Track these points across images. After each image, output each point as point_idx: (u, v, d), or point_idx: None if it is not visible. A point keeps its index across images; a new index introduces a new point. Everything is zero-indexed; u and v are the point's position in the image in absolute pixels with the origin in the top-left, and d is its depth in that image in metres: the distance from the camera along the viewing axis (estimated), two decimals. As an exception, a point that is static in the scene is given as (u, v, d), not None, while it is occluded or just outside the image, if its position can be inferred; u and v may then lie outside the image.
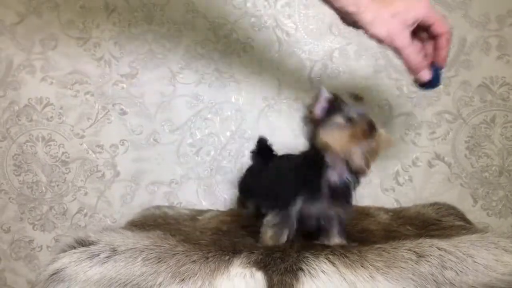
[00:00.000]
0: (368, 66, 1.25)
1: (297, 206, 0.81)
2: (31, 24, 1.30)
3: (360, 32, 1.22)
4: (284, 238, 0.83)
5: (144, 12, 1.27)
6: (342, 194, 0.82)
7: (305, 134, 0.83)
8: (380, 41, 0.76)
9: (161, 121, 1.30)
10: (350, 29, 1.23)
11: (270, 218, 0.83)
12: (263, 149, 1.04)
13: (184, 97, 1.29)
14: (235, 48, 1.27)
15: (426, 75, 0.79)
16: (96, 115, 1.31)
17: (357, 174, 0.81)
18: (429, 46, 0.81)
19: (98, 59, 1.29)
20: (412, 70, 0.79)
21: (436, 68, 0.80)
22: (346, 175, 0.80)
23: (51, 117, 1.31)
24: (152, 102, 1.30)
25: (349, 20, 0.79)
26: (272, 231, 0.83)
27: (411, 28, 0.76)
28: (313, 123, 0.80)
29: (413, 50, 0.77)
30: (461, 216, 1.02)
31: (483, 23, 1.22)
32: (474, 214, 1.25)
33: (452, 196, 1.26)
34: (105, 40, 1.29)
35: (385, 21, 0.74)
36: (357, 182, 0.82)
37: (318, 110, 0.79)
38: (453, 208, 1.06)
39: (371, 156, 0.79)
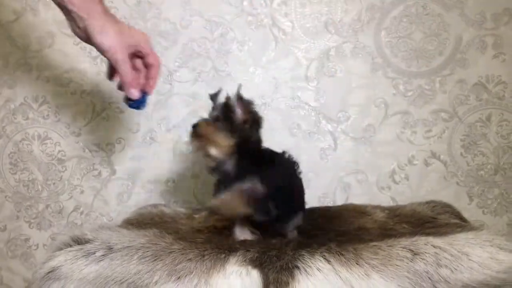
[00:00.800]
0: (364, 65, 1.26)
1: None
2: (27, 22, 1.29)
3: (357, 31, 1.24)
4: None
5: (141, 10, 1.27)
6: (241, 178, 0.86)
7: None
8: (102, 50, 0.84)
9: (157, 119, 1.30)
10: (347, 27, 1.24)
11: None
12: None
13: (181, 96, 1.29)
14: (232, 47, 1.27)
15: (135, 94, 0.89)
16: (92, 114, 1.31)
17: None
18: (142, 75, 0.92)
19: (95, 57, 1.29)
20: (125, 85, 0.88)
21: (144, 93, 0.92)
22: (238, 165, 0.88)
23: (47, 115, 1.31)
24: (149, 100, 1.29)
25: (77, 28, 0.85)
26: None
27: (130, 50, 0.86)
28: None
29: (129, 68, 0.86)
30: (457, 214, 1.02)
31: (479, 21, 1.22)
32: (470, 212, 1.25)
33: (448, 194, 1.26)
34: (101, 38, 1.28)
35: (110, 35, 0.83)
36: None
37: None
38: (448, 206, 1.06)
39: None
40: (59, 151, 1.32)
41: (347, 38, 1.26)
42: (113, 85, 1.28)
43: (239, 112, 0.87)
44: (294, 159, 0.93)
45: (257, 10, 1.26)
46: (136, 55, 0.90)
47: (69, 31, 1.26)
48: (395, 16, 1.24)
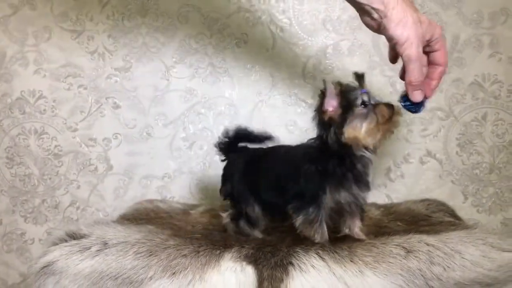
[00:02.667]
0: (361, 63, 1.26)
1: (326, 198, 0.80)
2: (24, 16, 1.29)
3: (355, 28, 1.24)
4: (325, 231, 0.81)
5: (138, 6, 1.27)
6: (364, 179, 0.82)
7: (321, 132, 0.83)
8: (395, 43, 0.74)
9: (154, 115, 1.30)
10: (344, 25, 1.24)
11: (303, 217, 0.80)
12: (241, 139, 0.98)
13: (178, 92, 1.29)
14: (229, 43, 1.27)
15: (419, 95, 0.77)
16: (89, 109, 1.31)
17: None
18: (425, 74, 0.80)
19: (92, 52, 1.29)
20: (410, 85, 0.77)
21: (424, 98, 0.80)
22: (367, 160, 0.81)
23: (44, 110, 1.31)
24: (146, 96, 1.29)
25: (370, 19, 0.76)
26: (312, 229, 0.80)
27: (424, 44, 0.75)
28: (330, 121, 0.80)
29: (420, 65, 0.75)
30: (451, 212, 1.03)
31: (476, 21, 1.22)
32: (465, 210, 1.26)
33: (443, 192, 1.27)
34: (98, 33, 1.28)
35: (408, 25, 0.72)
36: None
37: (330, 106, 0.80)
38: (443, 204, 1.07)
39: (389, 135, 0.82)
40: (56, 146, 1.32)
41: (344, 36, 1.26)
42: (110, 80, 1.29)
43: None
44: None
45: (254, 6, 1.26)
46: (423, 51, 0.77)
47: (66, 25, 1.28)
48: (392, 14, 1.24)
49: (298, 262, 0.72)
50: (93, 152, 1.32)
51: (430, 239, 0.74)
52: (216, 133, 1.29)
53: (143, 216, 1.04)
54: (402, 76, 0.79)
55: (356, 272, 0.70)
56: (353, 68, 1.24)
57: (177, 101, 1.29)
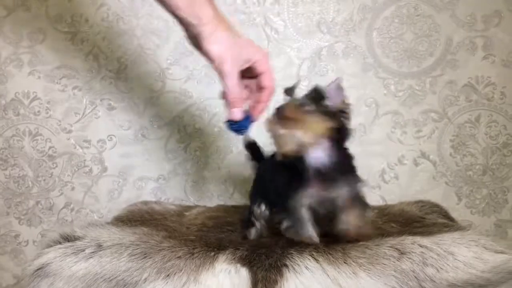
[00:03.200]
0: (356, 65, 1.26)
1: (301, 202, 0.78)
2: (18, 17, 1.29)
3: (349, 31, 1.24)
4: (311, 233, 0.79)
5: (133, 7, 1.27)
6: (340, 169, 0.79)
7: None
8: (211, 59, 0.75)
9: (149, 116, 1.30)
10: (339, 27, 1.25)
11: (285, 225, 0.80)
12: (255, 152, 0.97)
13: (173, 93, 1.29)
14: (224, 45, 1.27)
15: (238, 114, 0.78)
16: (83, 110, 1.31)
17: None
18: (253, 97, 0.81)
19: (86, 53, 1.29)
20: (228, 102, 0.78)
21: (248, 117, 0.80)
22: (331, 152, 0.78)
23: (38, 111, 1.31)
24: (141, 98, 1.29)
25: (190, 33, 0.77)
26: (298, 234, 0.79)
27: (242, 65, 0.76)
28: None
29: (236, 83, 0.76)
30: (445, 214, 1.03)
31: (469, 23, 1.23)
32: (458, 212, 1.27)
33: (437, 194, 1.27)
34: (93, 34, 1.28)
35: (222, 42, 0.74)
36: None
37: None
38: (436, 205, 1.08)
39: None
40: (50, 148, 1.32)
41: (339, 38, 1.26)
42: (104, 81, 1.29)
43: (336, 99, 0.77)
44: None
45: (249, 8, 1.26)
46: (248, 74, 0.80)
47: (61, 27, 1.28)
48: (386, 17, 1.24)
49: (292, 263, 0.72)
50: (87, 154, 1.32)
51: (424, 240, 0.74)
52: (212, 135, 1.29)
53: (137, 218, 1.03)
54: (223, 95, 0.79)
55: (350, 273, 0.70)
56: (348, 70, 1.26)
57: (172, 103, 1.29)
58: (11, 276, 1.36)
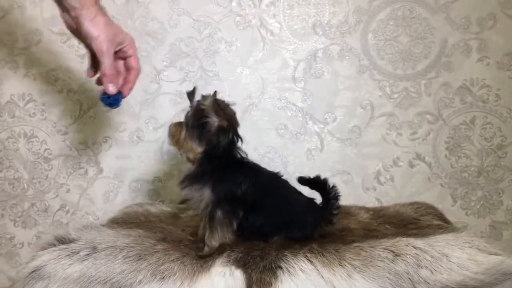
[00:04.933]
0: (351, 67, 1.27)
1: None
2: (14, 19, 1.28)
3: (344, 33, 1.25)
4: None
5: (128, 9, 1.27)
6: (200, 177, 0.89)
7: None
8: (91, 38, 0.84)
9: (145, 118, 1.30)
10: (334, 29, 1.25)
11: None
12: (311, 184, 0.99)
13: (168, 95, 1.29)
14: (220, 47, 1.28)
15: (112, 89, 0.90)
16: (79, 112, 1.30)
17: None
18: (122, 76, 0.94)
19: (82, 55, 1.28)
20: (104, 77, 0.88)
21: (120, 93, 0.92)
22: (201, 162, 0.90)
23: (34, 113, 1.31)
24: (136, 100, 1.29)
25: (69, 17, 0.85)
26: None
27: (116, 47, 0.88)
28: None
29: (112, 61, 0.87)
30: (439, 216, 1.04)
31: (464, 25, 1.24)
32: (454, 213, 1.27)
33: (432, 195, 1.28)
34: (89, 36, 1.28)
35: (100, 25, 0.84)
36: None
37: None
38: (431, 207, 1.08)
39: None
40: (45, 150, 1.32)
41: (334, 40, 1.26)
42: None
43: (213, 119, 0.85)
44: (278, 176, 0.93)
45: (245, 10, 1.27)
46: (119, 56, 0.91)
47: (56, 29, 1.27)
48: (381, 19, 1.25)
49: (286, 265, 0.72)
50: (83, 156, 1.32)
51: (418, 242, 0.75)
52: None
53: (133, 220, 1.03)
54: (89, 73, 0.94)
55: (345, 275, 0.71)
56: (343, 72, 1.26)
57: (167, 105, 1.29)
58: (6, 278, 1.36)
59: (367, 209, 1.12)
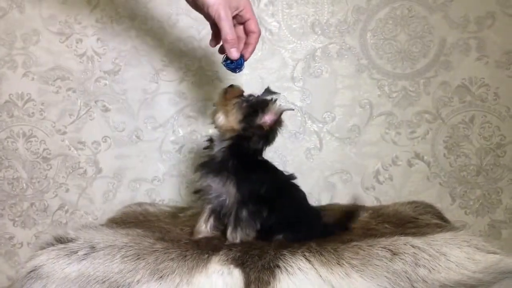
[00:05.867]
0: (350, 66, 1.27)
1: None
2: (13, 19, 1.28)
3: (343, 32, 1.25)
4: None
5: (127, 9, 1.27)
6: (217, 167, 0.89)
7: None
8: (206, 7, 0.86)
9: (144, 118, 1.30)
10: (333, 29, 1.25)
11: None
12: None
13: (167, 95, 1.29)
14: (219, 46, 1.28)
15: (235, 53, 0.89)
16: (78, 112, 1.30)
17: None
18: (242, 41, 0.93)
19: (81, 55, 1.28)
20: (226, 43, 0.88)
21: (242, 57, 0.92)
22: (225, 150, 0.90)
23: (33, 113, 1.31)
24: (135, 99, 1.29)
25: None
26: None
27: (233, 12, 0.88)
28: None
29: (231, 26, 0.87)
30: (438, 214, 1.04)
31: (462, 24, 1.24)
32: (452, 212, 1.27)
33: (431, 194, 1.28)
34: (87, 36, 1.28)
35: None
36: None
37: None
38: (430, 206, 1.08)
39: None
40: (44, 149, 1.32)
41: (333, 39, 1.26)
42: (99, 83, 1.29)
43: (266, 117, 0.86)
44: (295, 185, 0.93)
45: (244, 10, 1.26)
46: (237, 21, 0.91)
47: (55, 28, 1.28)
48: (380, 18, 1.25)
49: (285, 265, 0.72)
50: (82, 155, 1.32)
51: (416, 241, 0.75)
52: (206, 136, 1.29)
53: (131, 220, 1.03)
54: (213, 43, 0.95)
55: (343, 274, 0.71)
56: (342, 71, 1.26)
57: (166, 104, 1.29)
58: (5, 278, 1.36)
59: (366, 208, 1.12)
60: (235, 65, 0.92)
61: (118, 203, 1.30)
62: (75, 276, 0.72)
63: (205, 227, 0.90)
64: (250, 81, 1.28)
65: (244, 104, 0.87)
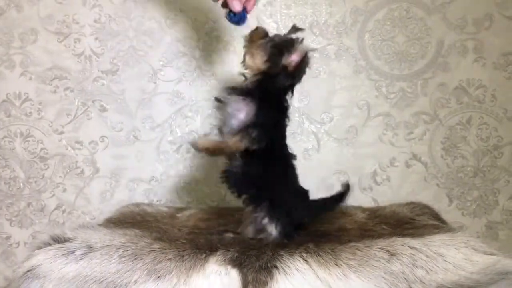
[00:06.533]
0: (348, 67, 1.27)
1: None
2: (10, 18, 1.28)
3: (341, 33, 1.25)
4: None
5: (126, 8, 1.26)
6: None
7: None
8: None
9: (141, 118, 1.30)
10: (331, 29, 1.25)
11: None
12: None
13: (165, 95, 1.29)
14: (217, 46, 1.28)
15: (238, 6, 0.91)
16: (75, 111, 1.30)
17: None
18: None
19: (79, 54, 1.28)
20: None
21: (244, 11, 0.93)
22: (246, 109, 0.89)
23: (30, 112, 1.30)
24: (133, 99, 1.29)
25: None
26: None
27: None
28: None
29: None
30: (435, 216, 1.04)
31: (460, 26, 1.24)
32: (450, 213, 1.27)
33: (428, 195, 1.28)
34: (85, 35, 1.28)
35: None
36: None
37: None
38: (427, 207, 1.08)
39: None
40: (42, 149, 1.31)
41: (331, 40, 1.27)
42: (97, 82, 1.29)
43: (291, 57, 0.86)
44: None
45: (242, 10, 1.26)
46: None
47: (53, 28, 1.27)
48: (378, 19, 1.25)
49: (282, 265, 0.72)
50: (79, 155, 1.31)
51: (413, 242, 0.75)
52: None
53: (129, 220, 1.03)
54: (224, 4, 0.94)
55: (340, 275, 0.71)
56: (340, 72, 1.26)
57: (164, 104, 1.29)
58: (2, 278, 1.35)
59: (363, 209, 1.12)
60: (238, 18, 0.94)
61: (115, 203, 1.29)
62: (72, 276, 0.72)
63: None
64: (248, 82, 1.28)
65: (269, 45, 0.88)
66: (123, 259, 0.73)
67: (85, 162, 1.32)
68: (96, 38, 1.28)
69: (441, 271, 0.70)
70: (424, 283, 0.69)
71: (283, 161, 0.92)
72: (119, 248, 0.76)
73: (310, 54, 0.87)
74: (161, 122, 1.30)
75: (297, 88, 1.26)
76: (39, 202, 1.33)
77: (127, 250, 0.75)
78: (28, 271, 0.73)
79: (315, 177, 1.29)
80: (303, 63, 0.87)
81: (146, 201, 1.29)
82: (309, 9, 1.26)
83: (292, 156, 0.94)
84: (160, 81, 1.29)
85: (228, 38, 1.27)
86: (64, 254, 0.74)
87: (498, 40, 1.24)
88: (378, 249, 0.74)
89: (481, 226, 1.29)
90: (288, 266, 0.72)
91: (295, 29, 0.90)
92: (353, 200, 1.26)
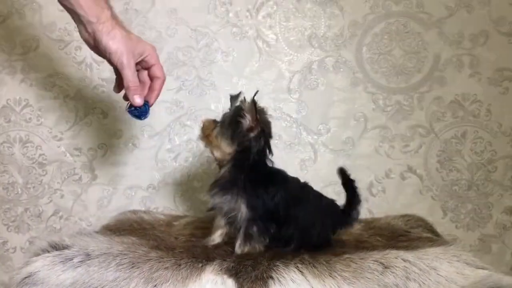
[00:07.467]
0: (345, 79, 1.28)
1: None
2: (12, 25, 1.29)
3: (339, 46, 1.26)
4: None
5: (127, 18, 1.28)
6: (227, 186, 0.91)
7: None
8: (109, 53, 0.84)
9: (140, 126, 1.31)
10: (329, 42, 1.27)
11: None
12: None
13: (164, 103, 1.30)
14: (216, 57, 1.29)
15: (138, 100, 0.89)
16: (75, 118, 1.31)
17: None
18: (147, 86, 0.93)
19: (79, 62, 1.29)
20: (128, 90, 0.88)
21: (146, 103, 0.91)
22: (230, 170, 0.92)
23: (30, 118, 1.31)
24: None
25: (86, 33, 0.85)
26: None
27: (137, 58, 0.87)
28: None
29: (134, 73, 0.87)
30: (429, 228, 1.05)
31: (457, 41, 1.26)
32: (444, 226, 1.28)
33: (423, 207, 1.29)
34: (86, 43, 1.29)
35: (117, 38, 0.83)
36: None
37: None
38: (422, 220, 1.09)
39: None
40: (40, 155, 1.32)
41: (329, 53, 1.28)
42: (97, 90, 1.30)
43: (247, 119, 0.86)
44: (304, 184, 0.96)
45: (242, 21, 1.28)
46: (142, 66, 0.91)
47: (54, 35, 1.28)
48: (376, 33, 1.27)
49: (278, 276, 0.73)
50: (77, 162, 1.32)
51: (407, 255, 0.76)
52: (201, 145, 1.30)
53: (126, 227, 1.04)
54: (117, 89, 0.94)
55: (335, 286, 0.71)
56: (337, 84, 1.28)
57: (163, 113, 1.30)
58: (-3, 283, 1.36)
59: (359, 221, 1.13)
60: (139, 112, 0.91)
61: (112, 210, 1.30)
62: (70, 283, 0.73)
63: (219, 237, 0.93)
64: (246, 93, 1.28)
65: (223, 127, 0.89)
66: (121, 267, 0.74)
67: (83, 168, 1.32)
68: (97, 46, 1.29)
69: (433, 284, 0.71)
70: (417, 296, 0.70)
71: None
72: (117, 256, 0.76)
73: (257, 102, 0.87)
74: (159, 130, 1.31)
75: (295, 99, 1.29)
76: (36, 208, 1.33)
77: (125, 258, 0.76)
78: (26, 277, 0.74)
79: (311, 187, 1.30)
80: (260, 114, 0.88)
81: (143, 209, 1.30)
82: (308, 22, 1.28)
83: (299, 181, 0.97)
84: (160, 90, 1.30)
85: (227, 48, 1.29)
86: (62, 261, 0.75)
87: (493, 56, 1.25)
88: (372, 261, 0.75)
89: (474, 239, 1.30)
90: (283, 276, 0.73)
91: (233, 98, 0.92)
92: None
